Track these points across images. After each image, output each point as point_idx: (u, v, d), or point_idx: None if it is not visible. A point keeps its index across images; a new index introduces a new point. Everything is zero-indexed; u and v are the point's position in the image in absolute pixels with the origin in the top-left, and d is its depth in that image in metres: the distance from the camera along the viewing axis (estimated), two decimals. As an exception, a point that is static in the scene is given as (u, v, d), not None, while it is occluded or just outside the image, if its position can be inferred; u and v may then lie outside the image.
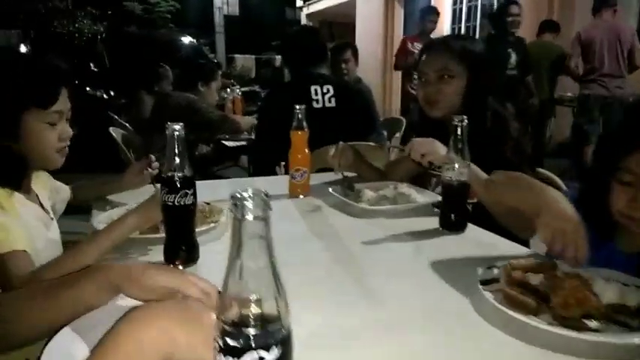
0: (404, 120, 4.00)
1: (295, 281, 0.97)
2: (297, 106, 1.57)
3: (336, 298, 0.95)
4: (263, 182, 1.94)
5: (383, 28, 10.29)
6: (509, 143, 1.49)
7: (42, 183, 1.29)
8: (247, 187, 0.45)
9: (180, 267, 1.04)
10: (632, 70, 4.53)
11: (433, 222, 1.33)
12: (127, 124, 3.77)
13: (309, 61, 2.54)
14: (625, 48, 4.47)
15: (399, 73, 10.29)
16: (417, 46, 4.95)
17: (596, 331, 0.77)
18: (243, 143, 3.25)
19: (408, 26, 9.65)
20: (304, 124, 1.58)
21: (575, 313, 0.79)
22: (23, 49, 9.91)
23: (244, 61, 13.00)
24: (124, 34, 8.84)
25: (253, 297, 0.45)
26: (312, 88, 2.48)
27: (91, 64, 7.24)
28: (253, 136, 3.12)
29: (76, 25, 10.24)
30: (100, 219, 1.28)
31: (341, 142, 1.68)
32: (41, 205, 1.23)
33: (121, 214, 1.34)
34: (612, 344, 0.75)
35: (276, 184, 1.72)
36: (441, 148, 1.35)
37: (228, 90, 4.40)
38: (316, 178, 1.76)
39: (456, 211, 1.28)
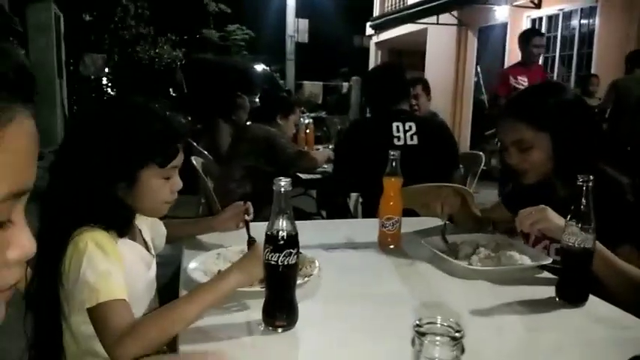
0: (482, 155, 3.81)
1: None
2: (392, 152, 1.49)
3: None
4: (346, 226, 1.86)
5: (455, 58, 10.11)
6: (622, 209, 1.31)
7: (143, 217, 1.29)
8: (434, 317, 0.37)
9: (280, 330, 0.98)
10: None
11: (544, 290, 1.20)
12: (206, 152, 3.84)
13: (392, 98, 2.47)
14: None
15: (471, 104, 10.06)
16: (522, 80, 4.41)
17: None
18: (318, 176, 3.20)
19: (481, 55, 9.43)
20: (399, 170, 1.49)
21: None
22: (106, 70, 10.56)
23: (312, 87, 13.19)
24: (201, 61, 9.20)
25: None
26: (394, 125, 2.41)
27: (170, 90, 7.56)
28: (327, 168, 3.08)
29: (157, 51, 10.83)
30: (194, 266, 1.25)
31: (446, 185, 1.58)
32: (144, 242, 1.22)
33: (213, 257, 1.32)
34: None
35: (361, 229, 1.64)
36: (554, 217, 1.21)
37: (301, 119, 4.41)
38: (405, 225, 1.67)
39: (578, 281, 1.14)
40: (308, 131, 4.22)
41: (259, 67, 9.69)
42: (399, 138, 2.41)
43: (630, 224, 1.28)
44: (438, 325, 0.37)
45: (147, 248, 1.22)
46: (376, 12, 13.52)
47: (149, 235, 1.27)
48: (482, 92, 8.75)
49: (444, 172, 2.37)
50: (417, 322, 0.37)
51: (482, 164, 3.53)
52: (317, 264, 1.27)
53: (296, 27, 13.33)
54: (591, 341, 0.99)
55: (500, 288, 1.24)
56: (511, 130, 1.39)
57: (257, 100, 5.92)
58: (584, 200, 1.09)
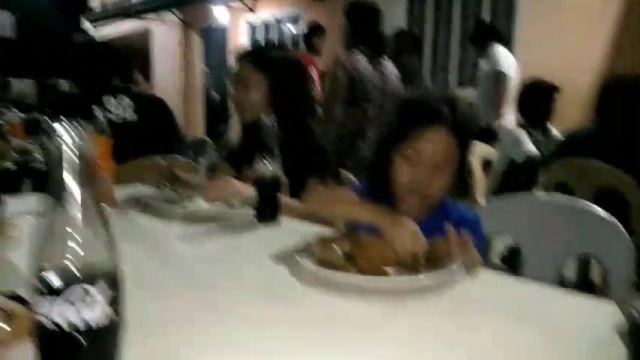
0: (209, 141, 3.97)
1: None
2: (95, 106, 1.47)
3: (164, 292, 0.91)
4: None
5: (181, 58, 10.22)
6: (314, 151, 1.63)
7: None
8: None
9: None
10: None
11: (250, 218, 1.37)
12: None
13: (103, 72, 2.40)
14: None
15: (201, 102, 10.25)
16: None
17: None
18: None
19: (208, 55, 9.75)
20: (106, 129, 1.48)
21: (375, 264, 0.90)
22: None
23: (22, 85, 11.46)
24: None
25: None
26: (105, 99, 2.33)
27: None
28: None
29: None
30: None
31: (159, 158, 1.66)
32: None
33: None
34: (409, 282, 0.88)
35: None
36: (238, 186, 1.41)
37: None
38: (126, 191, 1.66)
39: (270, 203, 1.34)
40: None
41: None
42: (111, 112, 2.34)
43: (316, 162, 1.60)
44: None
45: None
46: (94, 4, 12.57)
47: None
48: (212, 91, 9.08)
49: (165, 146, 2.41)
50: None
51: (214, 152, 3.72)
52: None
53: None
54: (283, 244, 1.19)
55: (210, 225, 1.37)
56: (239, 68, 1.66)
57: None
58: (265, 136, 1.31)
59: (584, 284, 1.93)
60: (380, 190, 1.18)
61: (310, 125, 1.69)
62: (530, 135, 3.12)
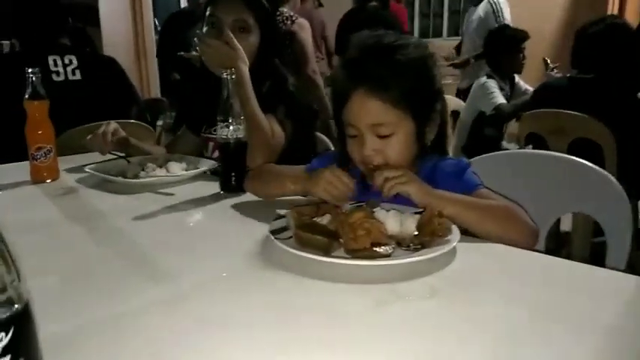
0: (166, 100, 3.74)
1: (56, 269, 0.76)
2: (30, 70, 1.28)
3: (117, 283, 0.78)
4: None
5: (131, 13, 9.59)
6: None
7: None
8: None
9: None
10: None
11: (213, 187, 1.23)
12: None
13: (46, 27, 2.14)
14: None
15: (155, 59, 9.79)
16: None
17: (386, 256, 0.79)
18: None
19: (157, 7, 9.17)
20: (42, 91, 1.29)
21: (364, 242, 0.79)
22: None
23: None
24: None
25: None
26: (51, 58, 2.09)
27: None
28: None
29: None
30: None
31: (108, 122, 1.47)
32: None
33: None
34: (401, 265, 0.77)
35: (16, 171, 1.39)
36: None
37: None
38: (69, 162, 1.48)
39: (236, 171, 1.21)
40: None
41: None
42: (57, 73, 2.11)
43: (288, 105, 1.45)
44: None
45: None
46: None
47: None
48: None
49: (119, 108, 2.20)
50: None
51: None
52: None
53: None
54: (250, 217, 1.06)
55: (168, 196, 1.22)
56: (235, 8, 1.44)
57: None
58: (225, 94, 1.15)
59: (556, 235, 1.90)
60: (347, 161, 1.05)
61: (283, 73, 1.53)
62: (500, 85, 3.05)
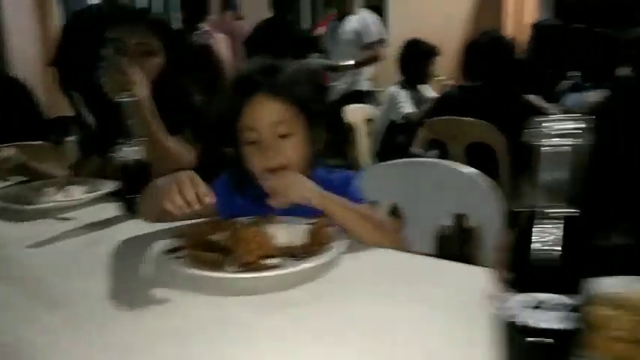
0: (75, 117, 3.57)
1: None
2: None
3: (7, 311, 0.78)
4: None
5: (40, 23, 9.09)
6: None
7: None
8: None
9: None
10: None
11: (115, 210, 1.24)
12: None
13: None
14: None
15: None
16: None
17: (276, 267, 0.84)
18: None
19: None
20: None
21: (255, 256, 0.84)
22: None
23: None
24: None
25: None
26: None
27: None
28: None
29: None
30: None
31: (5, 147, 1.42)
32: None
33: None
34: (290, 274, 0.83)
35: None
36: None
37: None
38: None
39: (138, 192, 1.21)
40: None
41: None
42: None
43: (196, 125, 1.49)
44: None
45: None
46: None
47: None
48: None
49: (22, 128, 2.12)
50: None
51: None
52: None
53: None
54: (152, 237, 1.08)
55: (67, 221, 1.21)
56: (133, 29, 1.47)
57: None
58: (125, 116, 1.17)
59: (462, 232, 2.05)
60: (245, 177, 1.10)
61: (190, 91, 1.56)
62: (409, 95, 3.23)
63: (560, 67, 2.81)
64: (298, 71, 1.11)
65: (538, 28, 3.27)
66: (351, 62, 3.71)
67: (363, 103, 3.48)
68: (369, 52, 3.70)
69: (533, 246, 0.44)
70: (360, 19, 3.77)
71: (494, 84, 2.19)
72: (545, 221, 0.44)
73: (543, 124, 0.43)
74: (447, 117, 2.31)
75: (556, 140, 0.43)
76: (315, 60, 3.65)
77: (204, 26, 3.40)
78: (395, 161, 1.39)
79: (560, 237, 0.44)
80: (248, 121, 1.06)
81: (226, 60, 3.40)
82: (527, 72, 2.80)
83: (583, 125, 0.42)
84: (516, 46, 2.35)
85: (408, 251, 0.98)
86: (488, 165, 2.26)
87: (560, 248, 0.44)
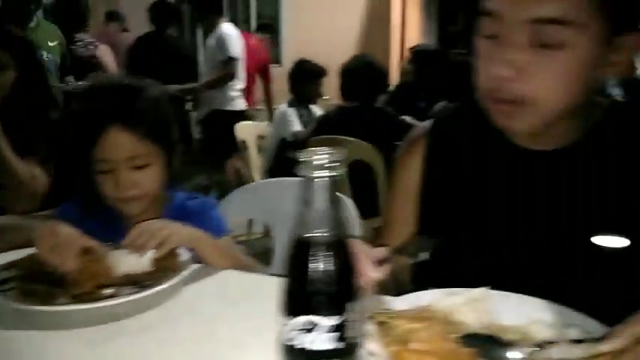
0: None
1: None
2: None
3: None
4: None
5: None
6: None
7: None
8: None
9: None
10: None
11: None
12: None
13: None
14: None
15: None
16: None
17: (111, 297, 0.82)
18: None
19: None
20: None
21: (88, 286, 0.82)
22: None
23: None
24: None
25: None
26: None
27: None
28: None
29: None
30: None
31: None
32: None
33: None
34: (127, 303, 0.81)
35: None
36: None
37: None
38: None
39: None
40: None
41: None
42: None
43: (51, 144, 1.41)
44: None
45: None
46: None
47: None
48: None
49: None
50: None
51: None
52: None
53: None
54: None
55: None
56: None
57: None
58: None
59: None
60: (97, 201, 1.07)
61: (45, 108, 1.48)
62: (298, 113, 3.30)
63: (435, 90, 3.02)
64: (157, 98, 1.08)
65: (417, 52, 3.50)
66: (195, 85, 3.67)
67: (236, 122, 3.39)
68: (221, 71, 3.60)
69: (303, 271, 0.48)
70: (217, 35, 3.60)
71: (369, 105, 2.32)
72: (314, 247, 0.48)
73: (308, 157, 0.47)
74: (328, 136, 2.39)
75: (318, 172, 0.47)
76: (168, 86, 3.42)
77: (86, 37, 3.29)
78: (260, 182, 1.42)
79: (330, 261, 0.48)
80: (102, 154, 1.02)
81: (112, 71, 3.33)
82: (403, 94, 3.00)
83: (339, 158, 0.47)
84: (387, 71, 2.50)
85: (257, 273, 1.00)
86: (368, 182, 2.39)
87: (327, 272, 0.48)
